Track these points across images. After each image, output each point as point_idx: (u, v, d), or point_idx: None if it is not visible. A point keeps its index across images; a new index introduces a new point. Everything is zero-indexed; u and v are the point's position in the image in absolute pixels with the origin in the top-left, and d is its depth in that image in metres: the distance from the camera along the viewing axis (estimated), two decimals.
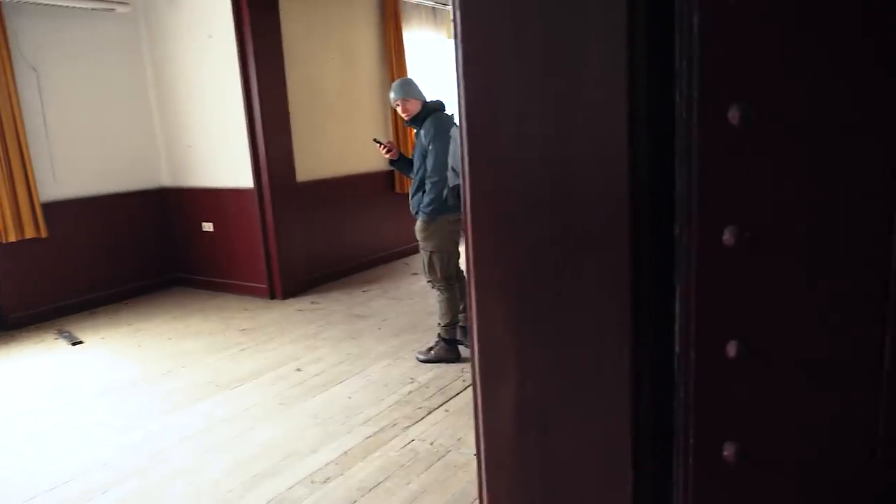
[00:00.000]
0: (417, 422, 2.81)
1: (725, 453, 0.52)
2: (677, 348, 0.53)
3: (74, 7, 4.60)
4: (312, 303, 4.88)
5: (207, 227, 5.33)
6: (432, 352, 3.47)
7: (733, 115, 0.47)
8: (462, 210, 0.61)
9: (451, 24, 0.57)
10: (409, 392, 3.13)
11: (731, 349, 0.51)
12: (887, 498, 0.47)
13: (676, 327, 0.53)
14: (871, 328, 0.46)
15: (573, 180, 0.54)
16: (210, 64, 4.94)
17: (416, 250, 3.59)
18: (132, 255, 5.24)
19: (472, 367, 0.63)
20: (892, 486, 0.46)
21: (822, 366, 0.48)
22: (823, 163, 0.45)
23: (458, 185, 3.25)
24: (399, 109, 3.40)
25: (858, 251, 0.45)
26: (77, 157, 4.86)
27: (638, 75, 0.50)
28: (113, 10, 4.82)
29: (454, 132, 3.26)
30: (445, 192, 3.26)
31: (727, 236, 0.49)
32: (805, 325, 0.48)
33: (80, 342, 4.24)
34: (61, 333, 4.41)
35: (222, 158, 5.09)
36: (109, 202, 5.08)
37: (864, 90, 0.43)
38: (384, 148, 3.51)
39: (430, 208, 3.28)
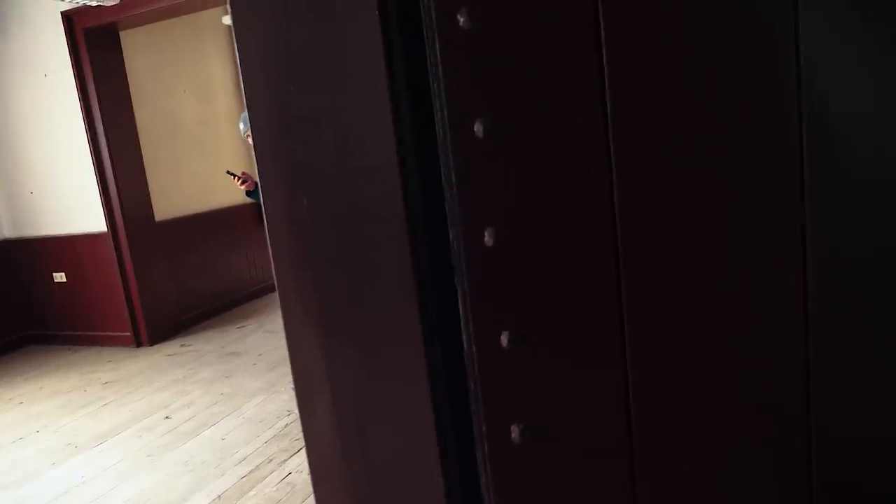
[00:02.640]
0: (294, 454, 2.76)
1: (513, 435, 0.57)
2: (465, 344, 0.58)
3: None
4: (183, 346, 4.66)
5: (59, 277, 4.96)
6: None
7: (478, 128, 0.53)
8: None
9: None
10: (286, 425, 3.07)
11: (504, 339, 0.56)
12: (639, 458, 0.53)
13: (462, 324, 0.58)
14: (610, 309, 0.52)
15: (355, 195, 0.58)
16: (49, 104, 4.63)
17: None
18: None
19: (294, 386, 0.65)
20: (643, 452, 0.53)
21: (577, 347, 0.54)
22: (556, 168, 0.52)
23: None
24: (251, 140, 3.35)
25: (590, 243, 0.52)
26: None
27: (400, 98, 0.54)
28: None
29: None
30: None
31: (487, 238, 0.54)
32: (558, 312, 0.54)
33: None
34: None
35: (70, 203, 4.77)
36: None
37: (572, 100, 0.50)
38: (239, 180, 3.45)
39: None
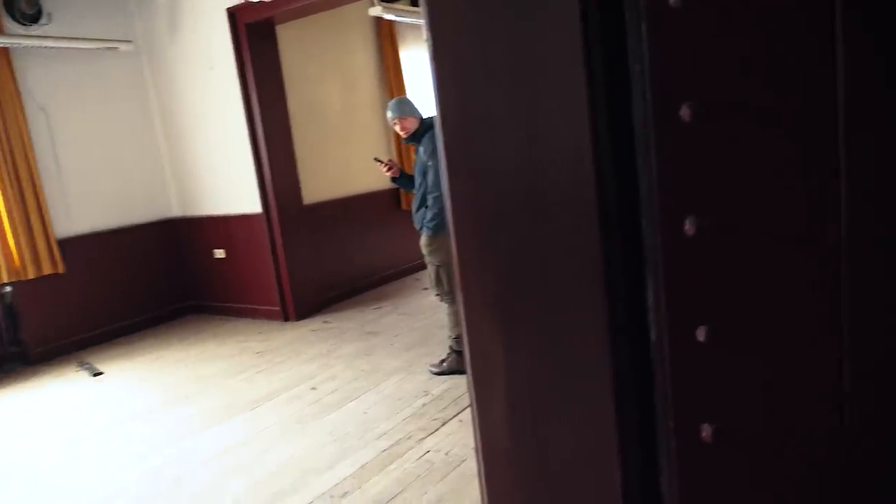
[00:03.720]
0: (432, 433, 2.84)
1: (703, 434, 0.55)
2: (653, 337, 0.56)
3: (79, 48, 4.72)
4: (325, 322, 4.93)
5: (219, 254, 5.40)
6: (445, 364, 3.49)
7: (685, 112, 0.50)
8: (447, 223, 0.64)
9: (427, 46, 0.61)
10: (424, 405, 3.16)
11: (701, 333, 0.53)
12: (851, 463, 0.49)
13: (650, 317, 0.56)
14: (823, 308, 0.48)
15: (544, 186, 0.57)
16: (213, 94, 5.04)
17: (424, 266, 3.63)
18: (147, 285, 5.32)
19: (467, 373, 0.66)
20: (856, 454, 0.49)
21: (782, 345, 0.51)
22: (771, 155, 0.48)
23: None
24: (397, 128, 3.45)
25: (806, 236, 0.48)
26: (89, 192, 4.96)
27: (597, 82, 0.53)
28: (116, 48, 4.93)
29: None
30: None
31: (688, 226, 0.52)
32: (764, 308, 0.51)
33: (101, 373, 4.30)
34: (82, 365, 4.48)
35: (230, 186, 5.18)
36: (122, 235, 5.17)
37: (797, 86, 0.46)
38: (385, 166, 3.56)
39: (433, 223, 3.32)
